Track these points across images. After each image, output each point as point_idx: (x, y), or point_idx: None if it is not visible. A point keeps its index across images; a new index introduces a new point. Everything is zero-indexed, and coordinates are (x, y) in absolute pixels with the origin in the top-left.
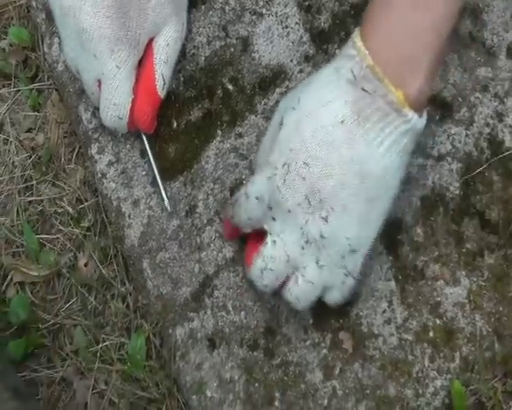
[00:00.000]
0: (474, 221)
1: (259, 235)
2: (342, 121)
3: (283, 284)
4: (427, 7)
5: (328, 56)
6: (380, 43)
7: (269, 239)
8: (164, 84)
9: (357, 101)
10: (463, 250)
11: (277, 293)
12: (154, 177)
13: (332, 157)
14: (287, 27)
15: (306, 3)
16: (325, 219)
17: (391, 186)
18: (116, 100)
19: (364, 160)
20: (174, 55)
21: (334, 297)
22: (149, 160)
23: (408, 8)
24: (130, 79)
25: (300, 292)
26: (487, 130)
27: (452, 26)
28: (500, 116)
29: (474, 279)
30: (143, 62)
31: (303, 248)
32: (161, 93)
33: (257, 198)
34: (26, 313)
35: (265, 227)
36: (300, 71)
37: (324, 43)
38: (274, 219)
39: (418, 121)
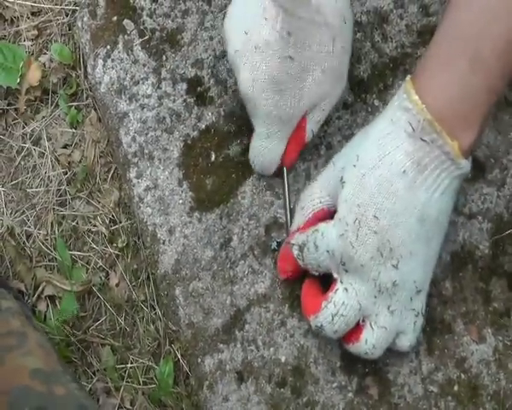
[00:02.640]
0: (502, 281)
1: (317, 280)
2: (404, 171)
3: (348, 337)
4: (484, 70)
5: (367, 106)
6: (436, 100)
7: (340, 286)
8: (312, 135)
9: (417, 151)
10: (490, 309)
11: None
12: (286, 207)
13: (397, 206)
14: None
15: None
16: (396, 267)
17: (444, 225)
18: (265, 160)
19: (424, 204)
20: (326, 114)
21: (409, 340)
22: (284, 191)
23: (467, 71)
24: (280, 146)
25: (376, 340)
26: None
27: (505, 85)
28: None
29: (500, 338)
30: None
31: (375, 297)
32: (308, 140)
33: (328, 251)
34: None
35: (336, 275)
36: (338, 117)
37: (363, 92)
38: (346, 271)
39: (468, 165)
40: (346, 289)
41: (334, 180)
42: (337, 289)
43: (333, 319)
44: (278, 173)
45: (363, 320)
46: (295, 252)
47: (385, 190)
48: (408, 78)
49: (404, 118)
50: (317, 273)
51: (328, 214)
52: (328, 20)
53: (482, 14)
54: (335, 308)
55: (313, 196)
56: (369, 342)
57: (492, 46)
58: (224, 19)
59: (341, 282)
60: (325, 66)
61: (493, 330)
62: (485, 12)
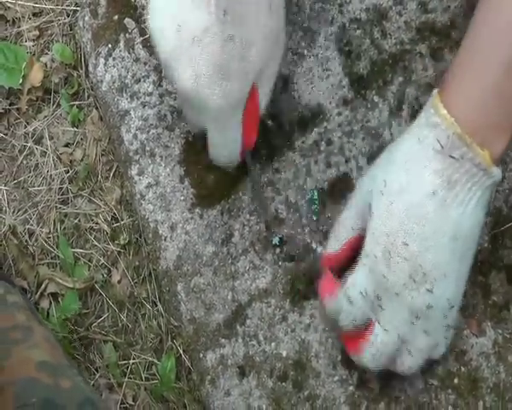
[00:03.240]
0: (501, 275)
1: None
2: (433, 192)
3: None
4: None
5: (366, 102)
6: (467, 109)
7: (379, 329)
8: (265, 107)
9: (446, 168)
10: (490, 302)
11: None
12: (255, 191)
13: (427, 230)
14: (327, 70)
15: (346, 49)
16: (431, 291)
17: (477, 236)
18: (227, 155)
19: (457, 222)
20: (273, 80)
21: (440, 352)
22: (250, 175)
23: (501, 76)
24: (237, 133)
25: (413, 362)
26: None
27: None
28: None
29: (500, 331)
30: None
31: (412, 323)
32: (263, 111)
33: (361, 294)
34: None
35: (372, 319)
36: (338, 113)
37: (362, 88)
38: (381, 307)
39: (499, 173)
40: (386, 330)
41: (363, 204)
42: (376, 331)
43: (374, 359)
44: (243, 157)
45: (399, 348)
46: (329, 324)
47: (414, 215)
48: (435, 91)
49: (432, 135)
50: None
51: (362, 240)
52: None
53: None
54: (377, 350)
55: (345, 223)
56: (406, 365)
57: None
58: (147, 18)
59: (379, 323)
60: (265, 33)
61: (493, 324)
62: None
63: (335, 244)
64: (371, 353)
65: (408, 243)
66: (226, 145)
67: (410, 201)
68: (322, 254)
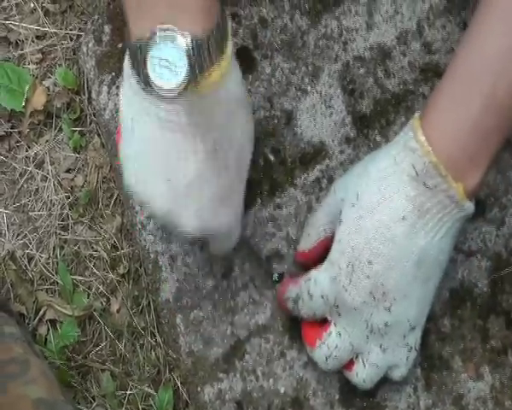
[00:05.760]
0: (500, 319)
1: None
2: (403, 217)
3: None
4: (498, 110)
5: (368, 141)
6: (444, 140)
7: (333, 330)
8: None
9: (419, 195)
10: (488, 346)
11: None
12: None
13: (393, 252)
14: (330, 107)
15: (350, 87)
16: (388, 309)
17: (444, 263)
18: (229, 246)
19: (422, 249)
20: None
21: (400, 373)
22: None
23: (480, 110)
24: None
25: (366, 375)
26: None
27: None
28: None
29: (498, 376)
30: None
31: (367, 337)
32: None
33: (322, 297)
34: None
35: (329, 318)
36: (341, 152)
37: (365, 127)
38: (339, 314)
39: (471, 206)
40: (339, 333)
41: (336, 208)
42: (331, 332)
43: (326, 360)
44: None
45: (356, 356)
46: (290, 305)
47: (382, 236)
48: (416, 115)
49: (408, 160)
50: (310, 320)
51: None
52: (239, 99)
53: (499, 53)
54: (329, 350)
55: (317, 224)
56: (360, 377)
57: (507, 88)
58: (123, 178)
59: (335, 325)
60: (249, 138)
61: (491, 368)
62: (503, 51)
63: (307, 243)
64: (323, 352)
65: (372, 261)
66: (228, 242)
67: (379, 221)
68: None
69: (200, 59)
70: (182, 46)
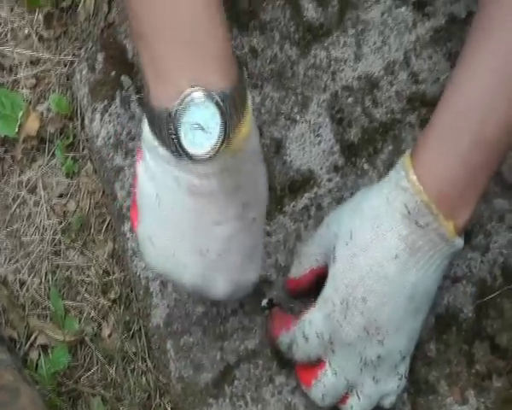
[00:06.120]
0: (485, 344)
1: None
2: (396, 256)
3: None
4: (487, 148)
5: (356, 169)
6: (435, 179)
7: (328, 368)
8: None
9: (411, 234)
10: (473, 371)
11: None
12: None
13: (386, 289)
14: (319, 136)
15: (338, 116)
16: (381, 343)
17: (432, 295)
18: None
19: (414, 285)
20: None
21: (390, 400)
22: None
23: (469, 148)
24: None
25: (361, 407)
26: (501, 259)
27: (503, 159)
28: None
29: (482, 400)
30: None
31: (361, 370)
32: None
33: (317, 336)
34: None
35: (324, 359)
36: (329, 180)
37: (353, 155)
38: (333, 351)
39: (460, 242)
40: (334, 371)
41: (328, 241)
42: (326, 371)
43: (323, 397)
44: None
45: (351, 389)
46: (283, 349)
47: (375, 274)
48: (407, 153)
49: (400, 198)
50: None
51: (324, 270)
52: (259, 151)
53: (487, 91)
54: (325, 388)
55: (310, 253)
56: (355, 409)
57: (496, 125)
58: (144, 259)
59: (330, 363)
60: (267, 188)
61: (475, 392)
62: (490, 91)
63: (298, 271)
64: (320, 390)
65: (366, 298)
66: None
67: (372, 258)
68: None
69: (230, 114)
70: (213, 105)
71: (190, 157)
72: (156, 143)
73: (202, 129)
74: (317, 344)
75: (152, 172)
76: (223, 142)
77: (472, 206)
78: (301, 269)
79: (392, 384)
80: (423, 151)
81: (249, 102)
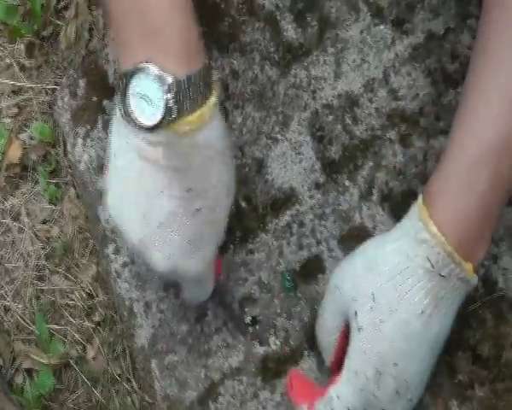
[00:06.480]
0: (467, 354)
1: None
2: (422, 312)
3: None
4: (503, 186)
5: (337, 186)
6: (455, 226)
7: None
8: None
9: (434, 286)
10: (456, 381)
11: None
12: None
13: (413, 346)
14: (300, 154)
15: (319, 134)
16: (411, 400)
17: (448, 335)
18: (201, 295)
19: (436, 334)
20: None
21: None
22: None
23: (488, 191)
24: (210, 280)
25: None
26: (482, 270)
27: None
28: (495, 258)
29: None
30: None
31: None
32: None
33: (348, 408)
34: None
35: None
36: (311, 197)
37: (334, 172)
38: None
39: (476, 279)
40: None
41: (343, 305)
42: None
43: None
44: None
45: None
46: None
47: (403, 335)
48: (420, 200)
49: (422, 253)
50: None
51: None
52: (217, 148)
53: (501, 131)
54: None
55: (328, 328)
56: None
57: (510, 162)
58: (104, 209)
59: None
60: (226, 188)
61: (458, 403)
62: (503, 137)
63: (328, 357)
64: None
65: (398, 362)
66: (202, 291)
67: (399, 320)
68: None
69: (180, 101)
70: (161, 83)
71: (135, 124)
72: (117, 103)
73: (149, 101)
74: None
75: (114, 130)
76: (166, 121)
77: (488, 240)
78: (328, 356)
79: None
80: (439, 199)
81: (212, 99)
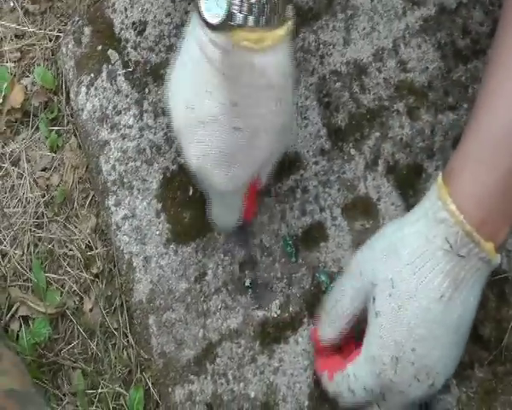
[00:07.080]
0: None
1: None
2: (442, 296)
3: None
4: None
5: (343, 154)
6: (475, 204)
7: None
8: (265, 180)
9: (454, 267)
10: None
11: None
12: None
13: (434, 332)
14: (306, 119)
15: (326, 100)
16: (432, 385)
17: (474, 315)
18: (225, 221)
19: (460, 317)
20: (274, 164)
21: None
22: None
23: (509, 168)
24: (237, 206)
25: None
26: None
27: None
28: None
29: (464, 389)
30: None
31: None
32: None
33: (365, 389)
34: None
35: (373, 402)
36: (315, 163)
37: (340, 140)
38: (384, 398)
39: (499, 258)
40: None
41: (363, 290)
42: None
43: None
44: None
45: None
46: (330, 396)
47: (423, 321)
48: (440, 180)
49: (441, 234)
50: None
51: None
52: (272, 82)
53: None
54: None
55: (344, 309)
56: None
57: None
58: (164, 86)
59: (378, 406)
60: (273, 127)
61: (457, 381)
62: None
63: (333, 333)
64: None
65: (416, 348)
66: (226, 215)
67: (419, 306)
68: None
69: (243, 11)
70: None
71: (202, 19)
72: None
73: (218, 1)
74: (366, 395)
75: (189, 29)
76: (224, 22)
77: (510, 219)
78: (335, 330)
79: None
80: (460, 178)
81: (277, 32)
